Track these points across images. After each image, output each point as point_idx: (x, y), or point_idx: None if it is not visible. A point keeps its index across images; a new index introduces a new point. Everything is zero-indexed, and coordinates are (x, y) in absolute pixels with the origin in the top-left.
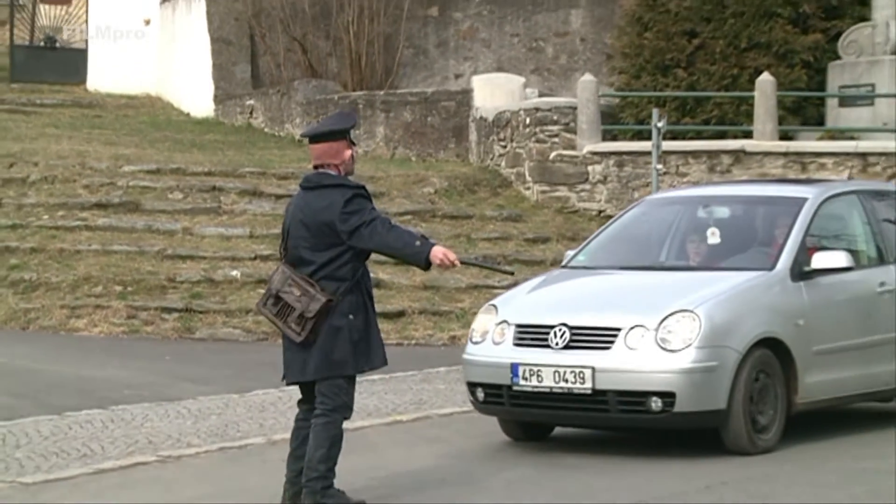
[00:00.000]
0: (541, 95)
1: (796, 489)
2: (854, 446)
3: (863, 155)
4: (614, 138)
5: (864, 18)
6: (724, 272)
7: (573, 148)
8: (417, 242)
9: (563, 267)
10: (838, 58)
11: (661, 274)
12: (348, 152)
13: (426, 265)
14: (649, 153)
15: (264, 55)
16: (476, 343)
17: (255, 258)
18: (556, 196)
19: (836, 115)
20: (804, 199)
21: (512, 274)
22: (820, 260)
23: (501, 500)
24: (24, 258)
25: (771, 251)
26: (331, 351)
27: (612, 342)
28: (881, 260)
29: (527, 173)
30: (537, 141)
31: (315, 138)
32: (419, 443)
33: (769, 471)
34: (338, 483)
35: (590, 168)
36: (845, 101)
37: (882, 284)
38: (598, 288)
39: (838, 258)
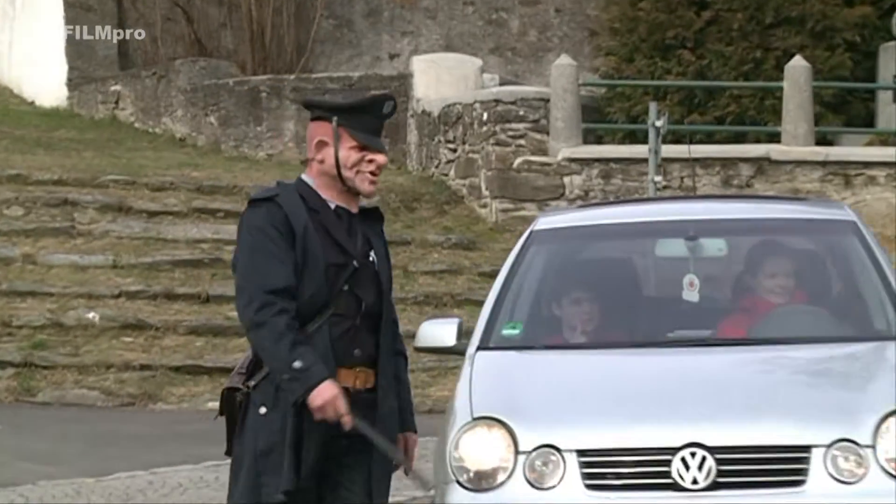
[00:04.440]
0: (502, 83)
1: None
2: None
3: None
4: (599, 140)
5: None
6: (832, 345)
7: (545, 153)
8: (297, 363)
9: (493, 347)
10: (893, 38)
11: (735, 353)
12: (327, 149)
13: (294, 402)
14: (645, 161)
15: (136, 25)
16: (482, 490)
17: (118, 295)
18: (521, 216)
19: (891, 114)
20: (851, 222)
21: (429, 490)
22: None
23: None
24: None
25: (849, 306)
26: (234, 467)
27: (803, 471)
28: None
29: (483, 185)
30: (497, 143)
31: (307, 107)
32: None
33: None
34: None
35: (566, 179)
36: None
37: None
38: (680, 380)
39: None
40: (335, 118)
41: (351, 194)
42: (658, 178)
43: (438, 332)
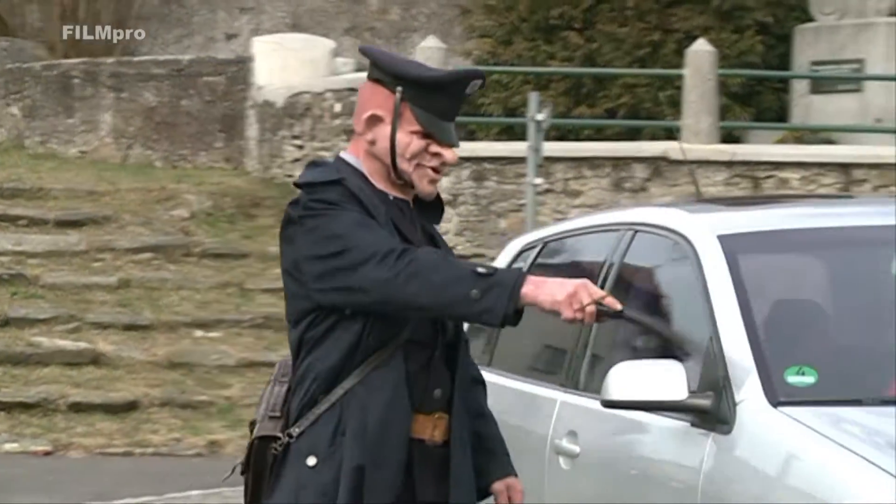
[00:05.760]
0: (358, 69)
1: None
2: None
3: (844, 166)
4: (470, 136)
5: None
6: None
7: None
8: (479, 269)
9: (792, 402)
10: (811, 19)
11: None
12: (380, 127)
13: (503, 320)
14: (524, 160)
15: None
16: None
17: None
18: None
19: (807, 106)
20: None
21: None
22: None
23: None
24: None
25: None
26: None
27: None
28: None
29: None
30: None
31: (369, 59)
32: None
33: None
34: None
35: None
36: (820, 86)
37: None
38: None
39: None
40: (400, 89)
41: (406, 186)
42: (538, 181)
43: (657, 378)
